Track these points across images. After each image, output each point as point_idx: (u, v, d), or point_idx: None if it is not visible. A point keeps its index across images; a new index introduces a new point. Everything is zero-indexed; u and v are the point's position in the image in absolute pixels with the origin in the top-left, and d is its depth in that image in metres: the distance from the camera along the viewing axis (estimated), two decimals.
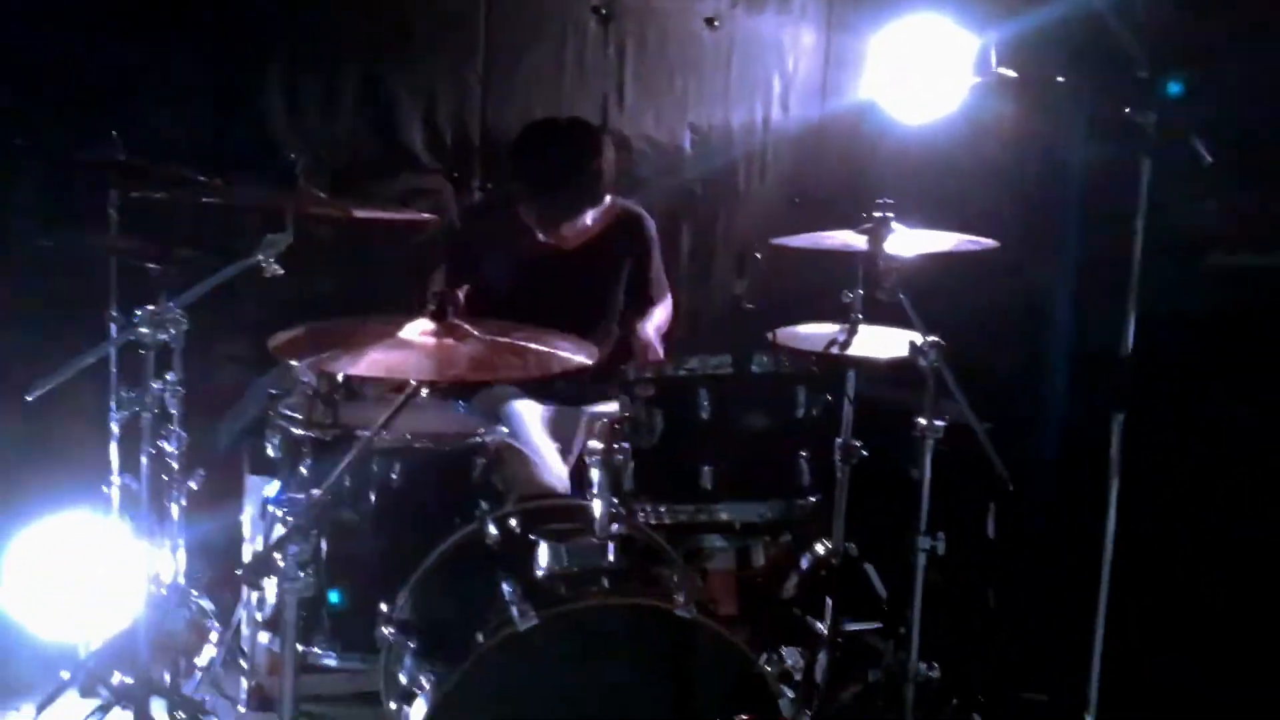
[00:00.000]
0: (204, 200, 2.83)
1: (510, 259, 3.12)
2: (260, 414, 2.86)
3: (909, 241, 2.61)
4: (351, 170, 3.56)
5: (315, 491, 2.00)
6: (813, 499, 2.30)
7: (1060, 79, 3.36)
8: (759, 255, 2.26)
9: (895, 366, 2.56)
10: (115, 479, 2.77)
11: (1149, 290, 2.38)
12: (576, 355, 2.17)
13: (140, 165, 2.74)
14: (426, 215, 2.45)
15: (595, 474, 2.14)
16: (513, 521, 2.37)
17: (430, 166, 3.66)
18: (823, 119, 4.02)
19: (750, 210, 4.01)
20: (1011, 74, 3.42)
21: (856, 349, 2.71)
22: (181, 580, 2.83)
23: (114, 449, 2.76)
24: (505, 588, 2.09)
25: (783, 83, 4.00)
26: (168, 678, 2.68)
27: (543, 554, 2.16)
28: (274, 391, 2.80)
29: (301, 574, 1.88)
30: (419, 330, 2.16)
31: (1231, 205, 3.42)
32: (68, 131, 3.06)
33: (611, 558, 2.16)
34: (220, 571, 3.04)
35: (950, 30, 3.66)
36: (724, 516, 2.21)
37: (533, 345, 2.18)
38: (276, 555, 1.88)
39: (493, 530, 2.34)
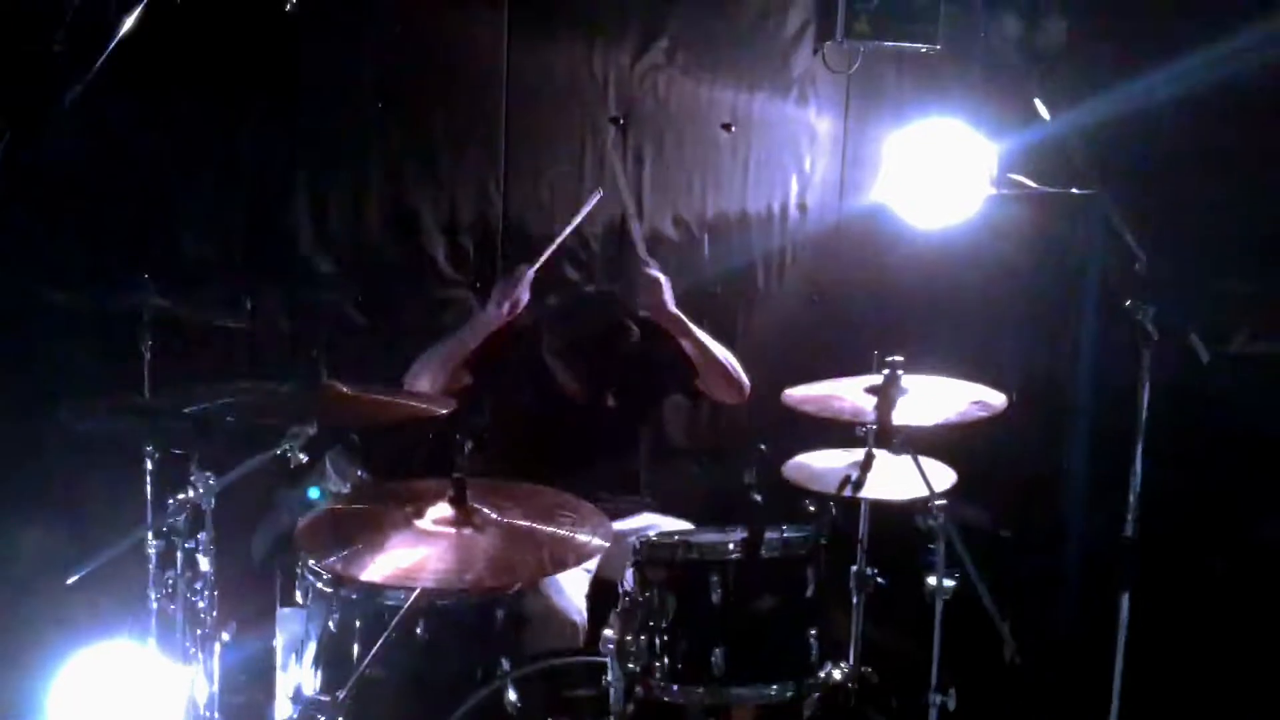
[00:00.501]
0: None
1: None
2: (292, 526, 2.97)
3: (918, 408, 2.65)
4: (378, 284, 3.68)
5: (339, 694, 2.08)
6: (822, 675, 2.36)
7: (1075, 190, 3.39)
8: (762, 445, 2.29)
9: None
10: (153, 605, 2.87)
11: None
12: (593, 540, 2.25)
13: (172, 313, 2.86)
14: (446, 408, 2.52)
15: (609, 663, 2.22)
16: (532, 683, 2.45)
17: (453, 278, 3.75)
18: (840, 219, 4.07)
19: (769, 309, 4.06)
20: (1028, 184, 3.46)
21: (871, 488, 2.77)
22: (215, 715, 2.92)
23: (151, 575, 2.87)
24: None
25: (800, 183, 4.05)
26: None
27: None
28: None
29: None
30: (437, 517, 2.25)
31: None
32: (102, 271, 3.17)
33: None
34: (252, 697, 3.14)
35: (965, 136, 3.69)
36: (735, 698, 2.27)
37: (550, 530, 2.26)
38: None
39: (512, 696, 2.42)
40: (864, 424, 2.60)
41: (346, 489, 3.31)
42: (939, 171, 3.76)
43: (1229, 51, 3.34)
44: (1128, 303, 2.25)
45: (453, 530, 2.23)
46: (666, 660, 2.28)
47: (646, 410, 3.51)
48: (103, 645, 3.00)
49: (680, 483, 3.82)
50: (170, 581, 2.60)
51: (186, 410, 2.25)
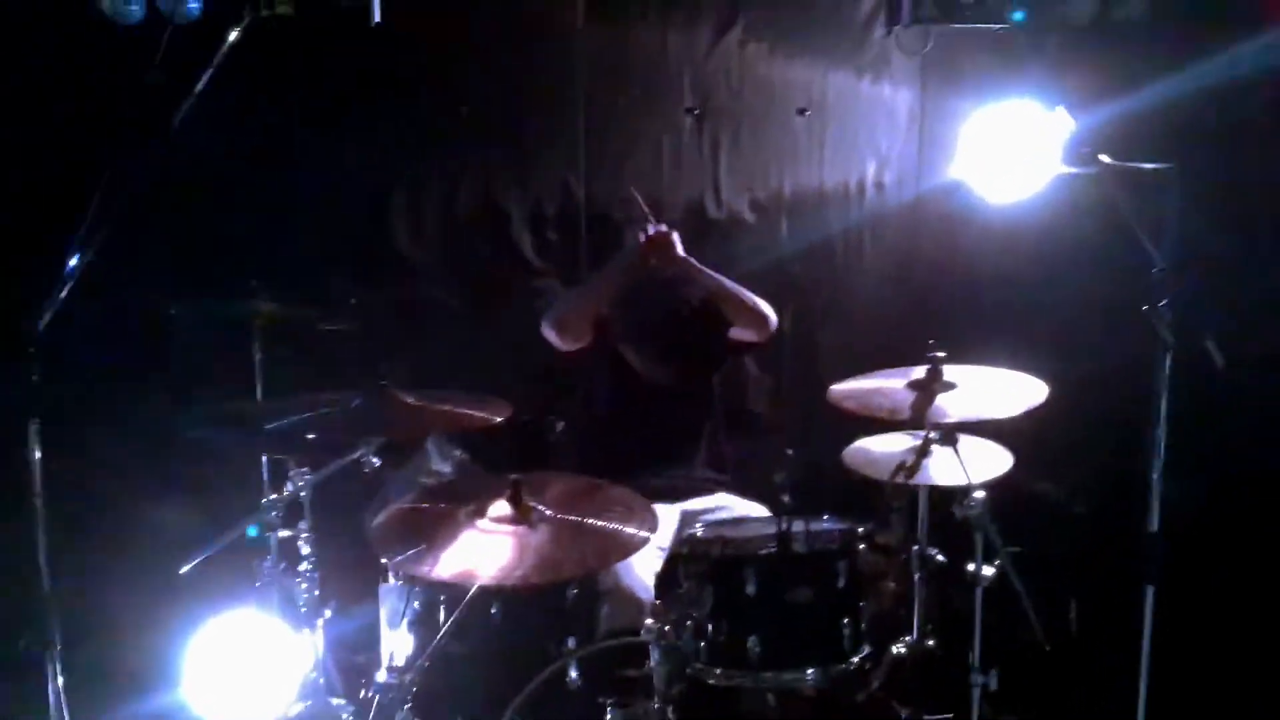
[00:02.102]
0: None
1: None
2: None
3: (962, 401, 2.73)
4: (473, 279, 3.93)
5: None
6: (855, 660, 2.52)
7: (1148, 165, 3.37)
8: (789, 451, 2.44)
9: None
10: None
11: None
12: (638, 534, 2.45)
13: (281, 316, 3.15)
14: (502, 415, 2.74)
15: (651, 648, 2.42)
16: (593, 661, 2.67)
17: (541, 269, 3.97)
18: (918, 197, 4.11)
19: (850, 289, 4.16)
20: (1102, 159, 3.44)
21: (926, 474, 2.88)
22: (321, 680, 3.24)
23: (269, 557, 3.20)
24: None
25: (877, 163, 4.11)
26: None
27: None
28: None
29: None
30: (496, 515, 2.48)
31: None
32: (215, 281, 3.48)
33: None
34: (359, 662, 3.46)
35: (1041, 112, 3.68)
36: (769, 683, 2.45)
37: (599, 525, 2.46)
38: None
39: (573, 674, 2.65)
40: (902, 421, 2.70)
41: (448, 468, 3.61)
42: (1014, 148, 3.78)
43: None
44: (1144, 308, 2.30)
45: (509, 528, 2.45)
46: (705, 647, 2.47)
47: (714, 385, 3.65)
48: (230, 615, 3.39)
49: (759, 460, 3.97)
50: (277, 566, 2.94)
51: (269, 427, 2.51)
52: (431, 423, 2.66)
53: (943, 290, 4.01)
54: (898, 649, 3.25)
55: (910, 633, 3.12)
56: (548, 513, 2.50)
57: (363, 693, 3.04)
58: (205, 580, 2.95)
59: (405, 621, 2.95)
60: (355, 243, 3.83)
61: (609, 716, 2.47)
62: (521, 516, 2.48)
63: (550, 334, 3.54)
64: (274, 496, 2.64)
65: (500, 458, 3.31)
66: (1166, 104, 3.48)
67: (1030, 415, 2.73)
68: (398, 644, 3.01)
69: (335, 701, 3.24)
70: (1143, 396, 3.56)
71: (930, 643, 3.16)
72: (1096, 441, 3.72)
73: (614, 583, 3.07)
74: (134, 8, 3.35)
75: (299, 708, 3.09)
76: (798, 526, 2.48)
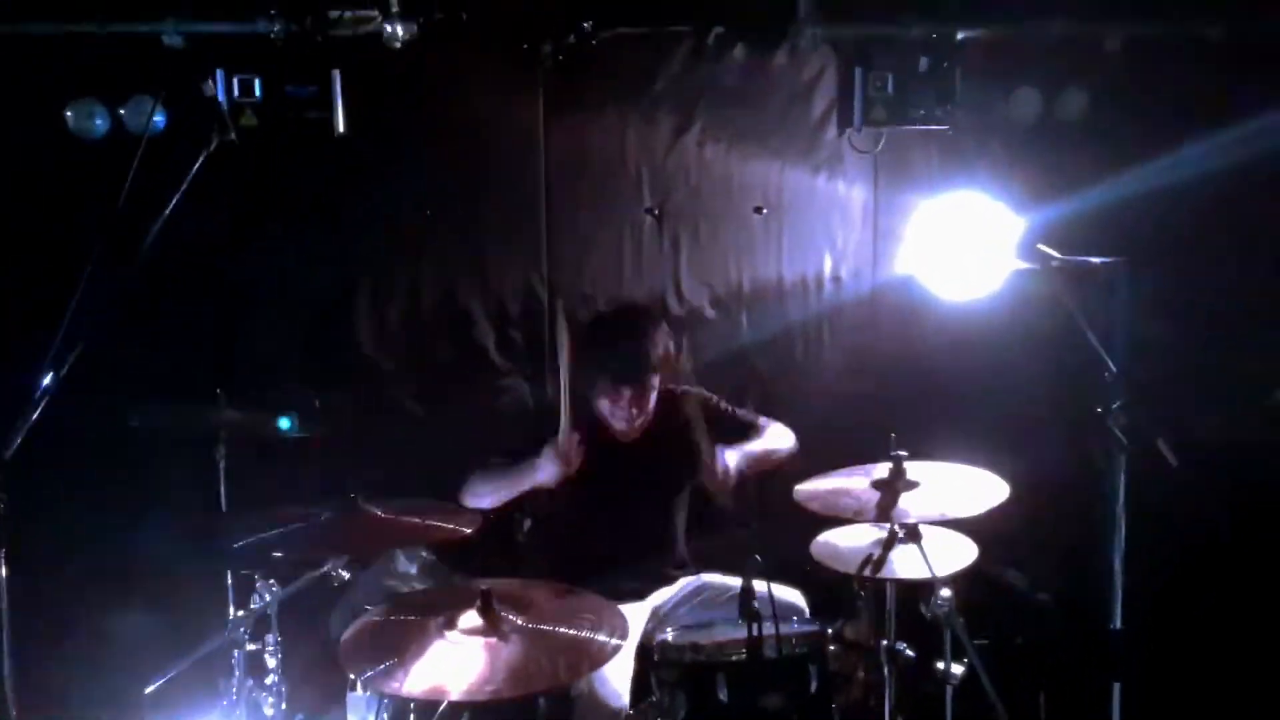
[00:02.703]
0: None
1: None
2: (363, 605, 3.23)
3: (925, 500, 2.78)
4: (434, 378, 3.95)
5: None
6: None
7: (1097, 260, 3.47)
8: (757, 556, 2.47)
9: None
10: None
11: None
12: (612, 641, 2.45)
13: (244, 425, 3.16)
14: (471, 526, 2.76)
15: None
16: None
17: (505, 368, 4.00)
18: (874, 290, 4.20)
19: (808, 379, 4.21)
20: (1053, 254, 3.53)
21: (892, 568, 2.92)
22: None
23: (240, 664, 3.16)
24: None
25: (834, 257, 4.19)
26: None
27: None
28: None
29: None
30: (466, 627, 2.48)
31: None
32: (180, 390, 3.48)
33: None
34: None
35: (990, 209, 3.78)
36: None
37: (571, 634, 2.46)
38: None
39: None
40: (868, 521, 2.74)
41: (414, 569, 3.60)
42: (964, 244, 3.87)
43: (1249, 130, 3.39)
44: (1099, 410, 2.37)
45: (480, 639, 2.45)
46: None
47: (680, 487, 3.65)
48: None
49: (729, 546, 3.96)
50: (244, 680, 2.91)
51: (236, 545, 2.51)
52: (402, 537, 2.66)
53: (900, 383, 4.07)
54: None
55: None
56: (519, 623, 2.50)
57: None
58: (173, 696, 2.93)
59: None
60: (318, 345, 3.85)
61: None
62: (492, 627, 2.48)
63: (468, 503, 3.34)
64: (242, 613, 2.62)
65: (467, 558, 3.33)
66: (1115, 201, 3.59)
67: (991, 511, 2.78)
68: None
69: None
70: (1101, 495, 3.67)
71: None
72: (1058, 534, 3.77)
73: (587, 690, 3.06)
74: (99, 122, 3.39)
75: None
76: (767, 630, 2.49)
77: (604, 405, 3.35)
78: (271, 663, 2.93)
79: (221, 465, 3.31)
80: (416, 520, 2.71)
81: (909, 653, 3.06)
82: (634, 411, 3.33)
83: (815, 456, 3.23)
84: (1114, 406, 2.38)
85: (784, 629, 2.59)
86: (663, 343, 3.38)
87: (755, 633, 2.49)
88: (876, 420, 3.40)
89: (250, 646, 2.88)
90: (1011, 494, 2.78)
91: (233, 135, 2.40)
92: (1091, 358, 3.72)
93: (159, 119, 3.35)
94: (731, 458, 3.34)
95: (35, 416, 2.12)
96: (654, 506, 3.54)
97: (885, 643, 3.04)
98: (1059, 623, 3.70)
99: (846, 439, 3.50)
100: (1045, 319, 3.86)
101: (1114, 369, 2.33)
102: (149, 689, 2.56)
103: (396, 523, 2.68)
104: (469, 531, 2.71)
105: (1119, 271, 3.43)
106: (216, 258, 3.68)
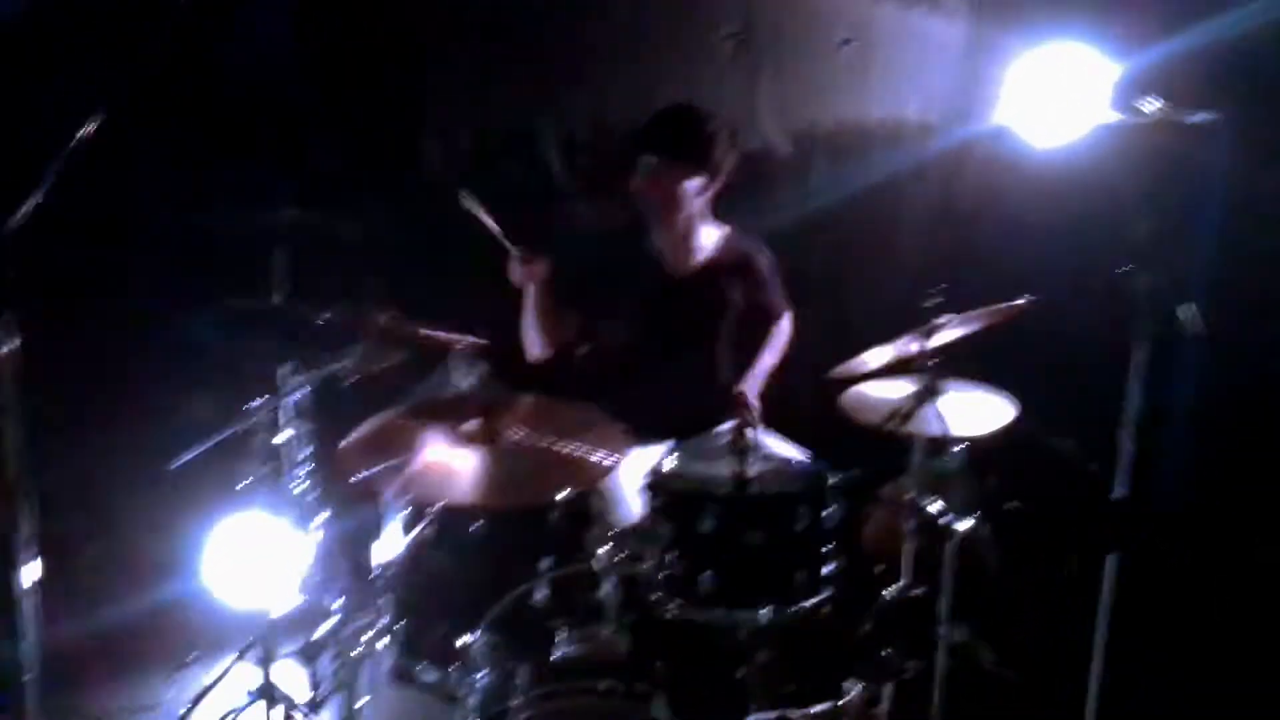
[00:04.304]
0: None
1: (624, 290, 3.40)
2: None
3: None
4: (503, 202, 3.94)
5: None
6: (808, 603, 2.51)
7: (1188, 120, 3.18)
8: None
9: None
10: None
11: None
12: (604, 462, 2.46)
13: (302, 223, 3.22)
14: (480, 340, 2.78)
15: (600, 578, 2.46)
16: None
17: (568, 189, 3.97)
18: (964, 139, 3.97)
19: (890, 229, 4.06)
20: (1148, 107, 3.27)
21: (920, 422, 2.84)
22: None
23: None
24: (521, 671, 2.46)
25: (923, 100, 3.98)
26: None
27: (560, 640, 2.51)
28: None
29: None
30: (470, 433, 2.53)
31: None
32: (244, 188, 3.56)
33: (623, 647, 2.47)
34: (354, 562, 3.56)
35: (1091, 58, 3.51)
36: (716, 620, 2.47)
37: (566, 452, 2.49)
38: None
39: (538, 596, 2.70)
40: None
41: (472, 382, 3.67)
42: (1059, 93, 3.62)
43: None
44: (1119, 270, 2.20)
45: (477, 450, 2.50)
46: (662, 579, 2.50)
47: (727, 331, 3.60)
48: (241, 515, 3.54)
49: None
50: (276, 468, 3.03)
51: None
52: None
53: (982, 243, 3.89)
54: (888, 594, 3.28)
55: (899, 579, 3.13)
56: (518, 436, 2.54)
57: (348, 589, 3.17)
58: (208, 481, 3.11)
59: (392, 526, 3.04)
60: (392, 164, 3.87)
61: (561, 637, 2.51)
62: (488, 437, 2.53)
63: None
64: (260, 400, 2.71)
65: (528, 377, 3.36)
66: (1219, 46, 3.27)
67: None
68: (389, 544, 3.13)
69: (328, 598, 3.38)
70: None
71: (917, 591, 3.17)
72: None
73: (604, 510, 3.10)
74: None
75: (298, 600, 3.22)
76: (761, 466, 2.47)
77: (639, 188, 3.27)
78: (300, 453, 3.04)
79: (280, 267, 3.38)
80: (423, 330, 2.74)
81: (933, 508, 3.01)
82: (661, 199, 3.26)
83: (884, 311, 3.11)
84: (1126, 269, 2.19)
85: (780, 468, 2.57)
86: (722, 145, 3.25)
87: (742, 468, 2.49)
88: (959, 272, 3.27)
89: (288, 432, 2.97)
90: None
91: None
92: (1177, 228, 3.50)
93: None
94: (750, 391, 3.43)
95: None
96: (696, 348, 3.50)
97: (910, 496, 2.99)
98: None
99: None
100: (1138, 174, 3.62)
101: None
102: (173, 465, 2.69)
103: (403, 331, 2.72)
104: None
105: (1219, 127, 3.17)
106: (291, 67, 3.71)
